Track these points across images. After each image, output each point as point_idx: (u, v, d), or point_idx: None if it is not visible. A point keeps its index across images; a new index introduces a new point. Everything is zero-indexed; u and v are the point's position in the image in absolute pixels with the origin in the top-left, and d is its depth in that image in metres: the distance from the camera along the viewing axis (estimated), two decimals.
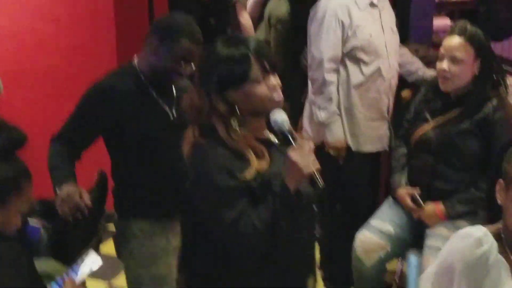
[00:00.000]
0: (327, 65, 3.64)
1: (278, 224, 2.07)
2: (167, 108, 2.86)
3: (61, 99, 4.43)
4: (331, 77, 3.64)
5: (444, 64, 3.27)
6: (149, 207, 2.91)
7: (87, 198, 2.77)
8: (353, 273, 3.51)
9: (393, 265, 3.69)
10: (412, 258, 1.85)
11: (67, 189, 2.75)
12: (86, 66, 4.54)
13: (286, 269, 2.24)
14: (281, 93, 2.18)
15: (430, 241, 3.32)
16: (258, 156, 2.14)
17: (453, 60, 3.24)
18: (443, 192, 3.36)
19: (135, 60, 2.88)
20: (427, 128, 3.37)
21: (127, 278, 3.04)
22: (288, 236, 2.12)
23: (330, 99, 3.64)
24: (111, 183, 3.04)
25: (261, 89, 2.14)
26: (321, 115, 3.65)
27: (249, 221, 2.06)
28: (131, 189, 2.91)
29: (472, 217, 3.31)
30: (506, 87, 3.39)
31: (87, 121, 2.84)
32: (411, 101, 3.79)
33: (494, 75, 3.32)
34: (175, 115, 2.86)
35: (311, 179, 2.08)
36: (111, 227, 3.13)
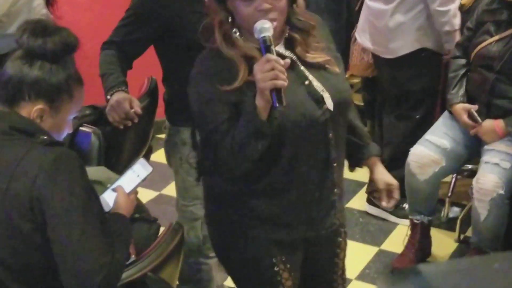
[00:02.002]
0: None
1: (248, 144, 1.98)
2: None
3: (110, 2, 4.37)
4: None
5: None
6: None
7: (137, 106, 2.77)
8: (406, 188, 3.45)
9: (448, 180, 3.62)
10: None
11: (117, 96, 2.74)
12: None
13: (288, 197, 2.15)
14: (268, 16, 2.00)
15: (488, 157, 3.26)
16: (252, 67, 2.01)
17: None
18: (503, 110, 3.28)
19: None
20: (490, 41, 3.25)
21: (176, 184, 3.04)
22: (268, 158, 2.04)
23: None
24: (162, 91, 3.00)
25: (247, 10, 2.01)
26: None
27: (227, 140, 2.00)
28: (181, 96, 2.86)
29: None
30: None
31: (137, 27, 2.78)
32: (470, 8, 3.67)
33: None
34: None
35: (274, 96, 1.91)
36: (162, 135, 3.10)
